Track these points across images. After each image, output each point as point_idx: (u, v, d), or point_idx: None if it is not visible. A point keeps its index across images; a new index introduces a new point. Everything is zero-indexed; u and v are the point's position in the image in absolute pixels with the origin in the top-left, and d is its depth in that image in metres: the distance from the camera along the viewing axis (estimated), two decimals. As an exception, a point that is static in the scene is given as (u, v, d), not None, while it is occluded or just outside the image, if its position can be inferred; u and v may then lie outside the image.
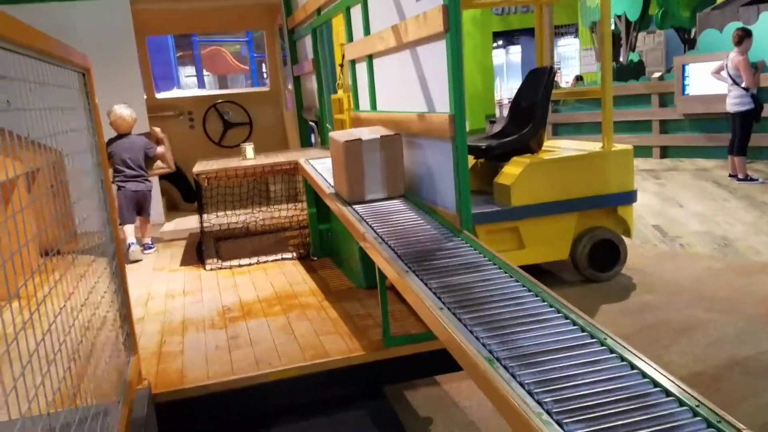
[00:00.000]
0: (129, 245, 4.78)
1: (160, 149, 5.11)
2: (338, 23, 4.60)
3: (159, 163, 5.19)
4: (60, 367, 1.45)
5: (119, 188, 4.84)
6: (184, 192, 6.68)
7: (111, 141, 4.82)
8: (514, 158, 4.43)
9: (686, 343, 3.53)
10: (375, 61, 3.58)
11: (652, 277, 4.64)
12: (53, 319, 1.45)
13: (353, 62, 3.99)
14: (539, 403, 1.37)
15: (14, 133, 1.50)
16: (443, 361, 2.58)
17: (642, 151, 9.19)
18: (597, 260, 4.47)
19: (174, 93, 9.86)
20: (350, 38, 3.92)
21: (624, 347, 1.54)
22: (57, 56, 1.75)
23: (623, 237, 4.54)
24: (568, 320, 1.67)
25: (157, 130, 5.20)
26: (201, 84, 14.54)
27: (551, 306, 1.77)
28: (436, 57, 2.70)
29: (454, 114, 2.57)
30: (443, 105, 2.69)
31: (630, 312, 4.04)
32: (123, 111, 4.86)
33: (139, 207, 4.99)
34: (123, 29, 5.59)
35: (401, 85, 3.25)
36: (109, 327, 2.04)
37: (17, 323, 1.17)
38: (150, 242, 5.17)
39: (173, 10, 6.57)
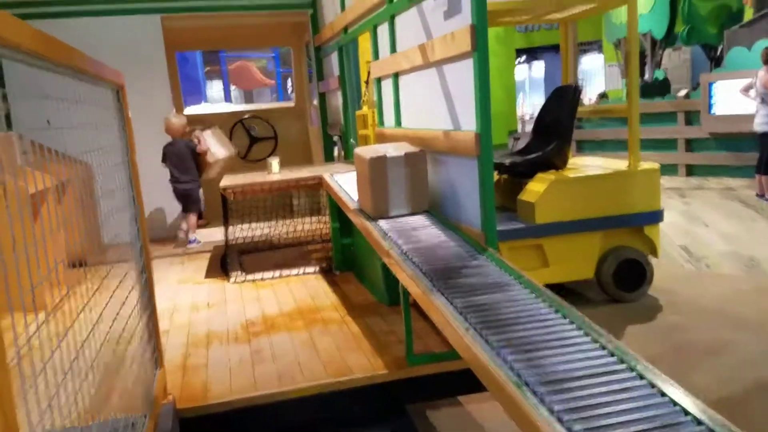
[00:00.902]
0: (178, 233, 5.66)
1: (201, 147, 5.64)
2: (364, 41, 4.64)
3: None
4: (88, 380, 1.47)
5: (173, 187, 5.59)
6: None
7: (166, 146, 5.57)
8: (539, 175, 4.40)
9: (713, 365, 3.46)
10: (401, 79, 3.61)
11: (678, 298, 4.57)
12: (84, 332, 1.47)
13: (379, 79, 4.02)
14: (569, 430, 1.36)
15: (44, 146, 1.54)
16: (467, 381, 2.56)
17: (667, 169, 9.07)
18: (623, 280, 4.41)
19: (201, 107, 10.01)
20: (376, 56, 3.95)
21: (654, 373, 1.51)
22: (93, 74, 1.80)
23: (649, 257, 4.48)
24: (597, 344, 1.65)
25: (197, 132, 5.73)
26: (228, 98, 14.74)
27: (580, 328, 1.75)
28: (462, 75, 2.71)
29: (480, 132, 2.58)
30: (469, 123, 2.69)
31: (656, 333, 3.98)
32: (171, 118, 5.60)
33: (184, 203, 5.63)
34: (154, 44, 5.71)
35: (427, 102, 3.26)
36: (137, 340, 2.07)
37: (45, 335, 1.19)
38: (193, 237, 5.63)
39: (203, 26, 6.69)
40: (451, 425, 2.93)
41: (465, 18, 2.59)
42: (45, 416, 1.11)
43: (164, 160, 5.55)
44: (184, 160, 5.55)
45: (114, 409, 1.73)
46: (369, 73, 4.43)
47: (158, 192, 5.41)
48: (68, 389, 1.29)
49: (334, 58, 5.37)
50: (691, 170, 9.53)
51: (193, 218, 5.67)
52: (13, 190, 2.32)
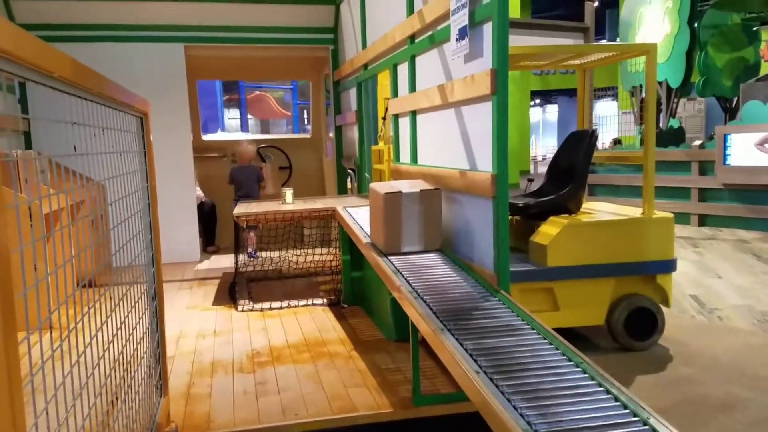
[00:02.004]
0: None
1: (264, 179, 6.36)
2: (383, 78, 4.71)
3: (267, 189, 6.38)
4: (94, 402, 1.46)
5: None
6: (208, 235, 6.74)
7: (237, 169, 6.19)
8: (552, 218, 4.40)
9: (725, 422, 3.38)
10: (419, 116, 3.64)
11: (689, 349, 4.50)
12: (93, 355, 1.47)
13: (396, 116, 4.06)
14: (579, 481, 1.33)
15: (62, 166, 1.55)
16: (475, 425, 2.52)
17: (680, 218, 9.04)
18: (634, 328, 4.35)
19: (219, 135, 10.14)
20: (395, 93, 4.01)
21: (667, 428, 1.49)
22: (120, 102, 1.83)
23: (661, 306, 4.43)
24: (609, 395, 1.63)
25: (263, 165, 6.52)
26: (245, 127, 14.94)
27: (593, 378, 1.72)
28: (481, 117, 2.74)
29: (497, 174, 2.59)
30: (486, 164, 2.71)
31: (667, 384, 3.91)
32: (247, 146, 6.35)
33: None
34: (176, 72, 5.82)
35: (443, 141, 3.29)
36: (144, 366, 2.06)
37: (55, 353, 1.19)
38: (253, 251, 5.91)
39: (225, 57, 6.82)
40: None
41: (486, 62, 2.63)
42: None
43: (233, 181, 6.13)
44: (252, 183, 6.17)
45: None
46: (387, 109, 4.48)
47: (172, 217, 5.44)
48: (76, 413, 1.28)
49: (353, 93, 5.44)
50: (703, 220, 9.49)
51: (254, 235, 5.99)
52: (37, 211, 2.34)
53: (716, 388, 3.83)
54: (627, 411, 1.56)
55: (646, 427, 1.50)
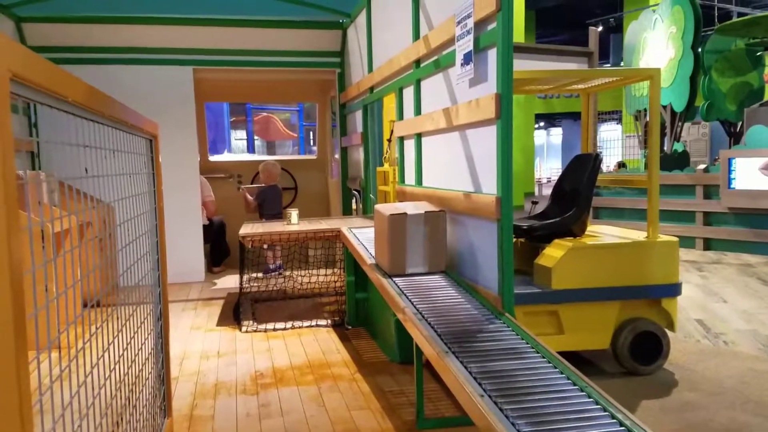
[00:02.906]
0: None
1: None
2: (389, 101, 4.76)
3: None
4: (100, 422, 1.46)
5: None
6: (215, 255, 6.76)
7: (264, 189, 6.49)
8: (556, 241, 4.40)
9: (731, 449, 3.34)
10: (423, 139, 3.68)
11: (694, 374, 4.46)
12: (99, 376, 1.48)
13: (401, 138, 4.10)
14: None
15: (72, 187, 1.57)
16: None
17: (685, 242, 9.02)
18: (639, 352, 4.32)
19: (225, 156, 10.21)
20: (401, 116, 4.04)
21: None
22: (130, 124, 1.86)
23: (666, 330, 4.40)
24: (614, 420, 1.62)
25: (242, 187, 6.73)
26: (251, 148, 15.05)
27: (597, 403, 1.72)
28: (485, 140, 2.76)
29: (501, 196, 2.61)
30: (490, 186, 2.73)
31: (671, 410, 3.87)
32: (276, 166, 6.64)
33: None
34: (185, 94, 5.89)
35: (448, 163, 3.31)
36: (149, 386, 2.06)
37: (60, 375, 1.20)
38: (278, 264, 6.20)
39: (233, 79, 6.90)
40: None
41: (491, 86, 2.66)
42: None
43: (263, 201, 6.42)
44: (278, 202, 6.56)
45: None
46: (392, 131, 4.52)
47: (178, 236, 5.47)
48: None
49: (359, 115, 5.50)
50: (708, 244, 9.47)
51: (276, 251, 6.27)
52: (49, 233, 2.37)
53: (721, 413, 3.79)
54: (632, 436, 1.56)
55: (651, 452, 1.49)
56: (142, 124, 1.96)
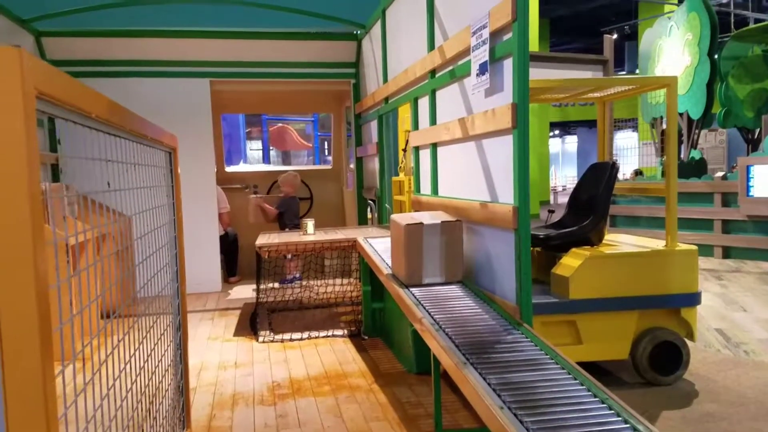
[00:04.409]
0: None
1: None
2: (404, 111, 4.77)
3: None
4: None
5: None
6: (230, 265, 6.80)
7: (285, 199, 6.56)
8: (574, 250, 4.37)
9: (754, 461, 3.29)
10: (439, 149, 3.68)
11: (715, 385, 4.40)
12: (120, 386, 1.49)
13: (417, 148, 4.10)
14: None
15: (94, 201, 1.59)
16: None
17: (703, 250, 8.92)
18: (658, 363, 4.27)
19: (241, 167, 10.29)
20: (416, 126, 4.05)
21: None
22: (150, 138, 1.88)
23: (686, 340, 4.35)
24: (634, 430, 1.60)
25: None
26: (266, 158, 15.15)
27: (618, 415, 1.70)
28: (501, 150, 2.76)
29: (518, 206, 2.60)
30: (507, 196, 2.72)
31: (692, 421, 3.82)
32: (297, 177, 6.73)
33: None
34: (202, 106, 5.95)
35: (464, 173, 3.31)
36: (168, 397, 2.07)
37: (79, 385, 1.21)
38: (296, 275, 6.29)
39: (249, 91, 6.96)
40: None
41: (507, 96, 2.66)
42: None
43: (286, 210, 6.49)
44: (298, 212, 6.62)
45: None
46: (407, 141, 4.53)
47: (196, 247, 5.50)
48: None
49: (374, 125, 5.51)
50: (727, 252, 9.35)
51: (296, 263, 6.37)
52: (72, 247, 2.40)
53: (742, 424, 3.73)
54: (655, 449, 1.54)
55: (675, 466, 1.47)
56: (162, 137, 1.98)
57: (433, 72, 3.67)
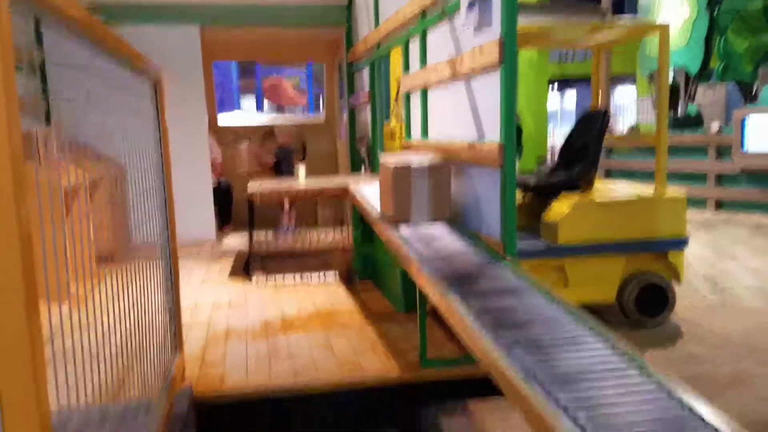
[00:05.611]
0: None
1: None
2: (396, 59, 4.74)
3: None
4: (110, 365, 1.53)
5: None
6: (223, 215, 6.83)
7: (282, 148, 6.66)
8: (563, 196, 4.42)
9: (734, 398, 3.40)
10: (429, 92, 3.68)
11: (700, 328, 4.50)
12: (110, 321, 1.54)
13: (408, 93, 4.10)
14: (574, 420, 1.38)
15: (82, 144, 1.62)
16: (479, 387, 2.58)
17: (697, 203, 8.98)
18: (644, 305, 4.37)
19: (234, 117, 10.22)
20: (407, 70, 4.04)
21: (663, 375, 1.52)
22: (132, 60, 1.89)
23: (673, 284, 4.44)
24: (607, 343, 1.67)
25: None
26: (260, 108, 15.04)
27: (591, 329, 1.77)
28: (489, 88, 2.77)
29: (504, 143, 2.62)
30: (494, 134, 2.74)
31: (675, 361, 3.93)
32: (288, 127, 6.82)
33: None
34: (192, 54, 5.88)
35: (453, 115, 3.32)
36: (159, 324, 2.13)
37: (71, 322, 1.26)
38: (291, 226, 6.34)
39: (240, 38, 6.87)
40: (460, 429, 2.93)
41: (494, 31, 2.65)
42: (69, 396, 1.17)
43: (282, 159, 6.55)
44: (292, 162, 6.58)
45: (133, 391, 1.79)
46: (398, 90, 4.52)
47: (189, 198, 5.52)
48: (90, 373, 1.35)
49: (366, 73, 5.48)
50: (720, 205, 9.41)
51: (293, 211, 6.43)
52: (56, 185, 2.42)
53: (726, 365, 3.84)
54: (622, 357, 1.60)
55: (639, 370, 1.54)
56: (145, 63, 1.99)
57: (424, 13, 3.64)
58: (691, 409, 1.37)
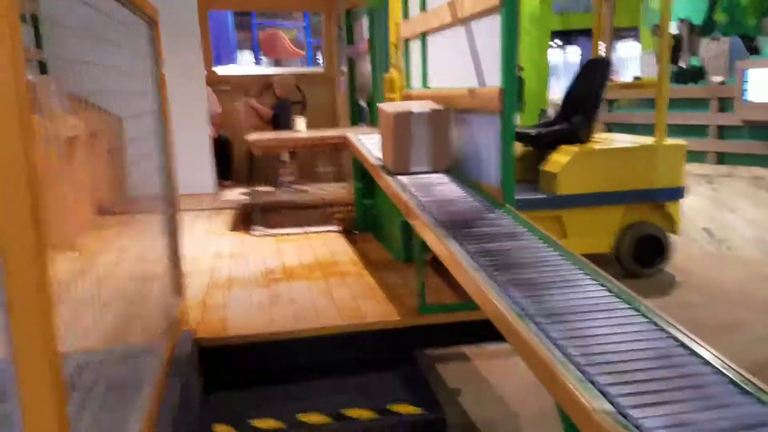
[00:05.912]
0: None
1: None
2: (395, 2, 4.65)
3: None
4: (112, 308, 1.56)
5: None
6: (223, 167, 6.81)
7: (281, 101, 6.54)
8: (563, 146, 4.41)
9: (725, 341, 3.46)
10: (428, 39, 3.63)
11: (696, 278, 4.56)
12: (112, 268, 1.56)
13: (407, 41, 4.04)
14: (566, 354, 1.41)
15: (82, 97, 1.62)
16: (476, 332, 2.63)
17: (697, 156, 8.94)
18: (641, 255, 4.42)
19: (231, 69, 10.08)
20: (406, 16, 3.98)
21: (654, 312, 1.56)
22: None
23: (669, 234, 4.47)
24: (598, 282, 1.70)
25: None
26: (258, 62, 14.81)
27: (584, 271, 1.80)
28: (489, 32, 2.73)
29: (504, 87, 2.60)
30: (494, 78, 2.72)
31: (670, 308, 3.93)
32: (287, 78, 6.69)
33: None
34: (186, 3, 5.77)
35: (453, 61, 3.29)
36: (160, 269, 2.16)
37: (73, 271, 1.28)
38: (290, 181, 6.17)
39: None
40: (459, 377, 3.01)
41: (496, -28, 2.60)
42: (73, 338, 1.20)
43: (281, 111, 6.40)
44: (290, 114, 6.40)
45: (136, 335, 1.83)
46: (398, 35, 4.45)
47: (188, 150, 5.48)
48: (93, 316, 1.38)
49: (365, 22, 5.39)
50: (721, 158, 9.37)
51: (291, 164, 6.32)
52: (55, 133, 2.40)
53: (719, 312, 3.90)
54: (614, 295, 1.64)
55: (632, 308, 1.57)
56: (143, 2, 1.96)
57: (424, -45, 3.57)
58: (682, 344, 1.41)
